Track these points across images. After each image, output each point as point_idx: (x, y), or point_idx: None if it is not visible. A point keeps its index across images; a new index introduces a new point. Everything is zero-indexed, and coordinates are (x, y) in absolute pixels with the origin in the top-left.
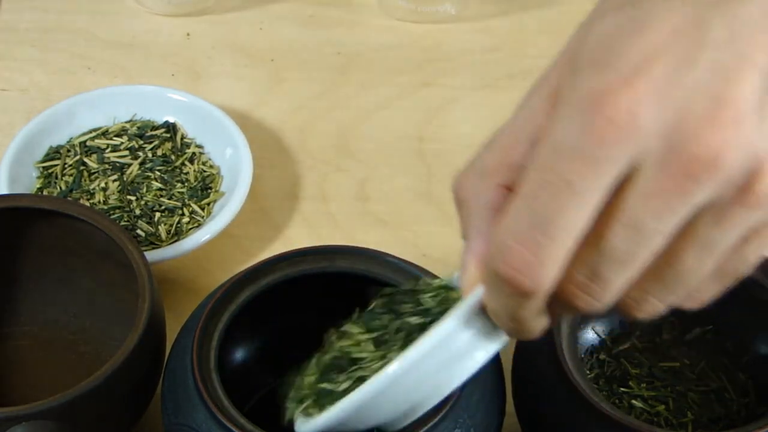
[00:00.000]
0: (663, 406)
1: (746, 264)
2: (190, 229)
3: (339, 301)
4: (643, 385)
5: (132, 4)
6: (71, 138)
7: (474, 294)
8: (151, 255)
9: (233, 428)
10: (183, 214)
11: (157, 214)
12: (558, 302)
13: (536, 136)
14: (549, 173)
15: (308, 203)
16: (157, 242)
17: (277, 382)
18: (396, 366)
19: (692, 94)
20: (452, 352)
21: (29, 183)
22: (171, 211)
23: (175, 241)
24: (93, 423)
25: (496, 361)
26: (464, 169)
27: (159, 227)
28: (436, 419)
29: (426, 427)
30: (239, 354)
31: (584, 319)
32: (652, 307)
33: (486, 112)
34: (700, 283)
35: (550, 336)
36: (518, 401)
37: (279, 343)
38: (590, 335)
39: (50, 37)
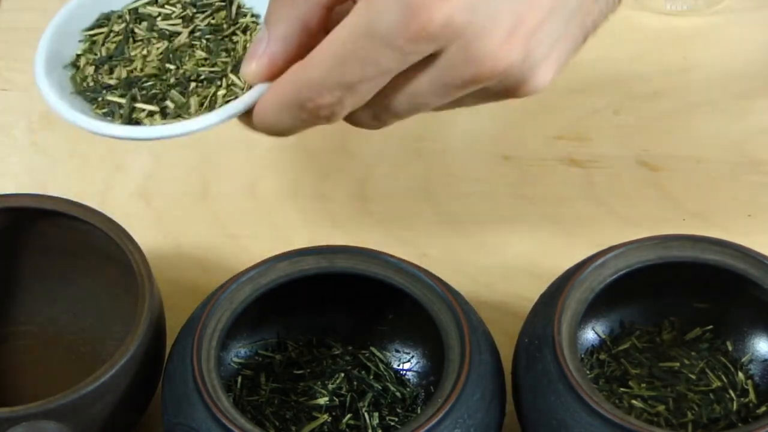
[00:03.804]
0: (663, 406)
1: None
2: (226, 101)
3: (339, 301)
4: (643, 385)
5: None
6: (124, 6)
7: (257, 89)
8: (155, 130)
9: (233, 428)
10: (220, 86)
11: (192, 84)
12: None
13: None
14: (361, 50)
15: (308, 203)
16: (186, 115)
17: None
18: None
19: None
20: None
21: (73, 52)
22: (210, 81)
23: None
24: (93, 423)
25: (496, 361)
26: None
27: (191, 98)
28: (437, 419)
29: (426, 427)
30: (239, 354)
31: (584, 319)
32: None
33: (486, 112)
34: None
35: (550, 336)
36: (518, 401)
37: (279, 343)
38: (590, 335)
39: None
